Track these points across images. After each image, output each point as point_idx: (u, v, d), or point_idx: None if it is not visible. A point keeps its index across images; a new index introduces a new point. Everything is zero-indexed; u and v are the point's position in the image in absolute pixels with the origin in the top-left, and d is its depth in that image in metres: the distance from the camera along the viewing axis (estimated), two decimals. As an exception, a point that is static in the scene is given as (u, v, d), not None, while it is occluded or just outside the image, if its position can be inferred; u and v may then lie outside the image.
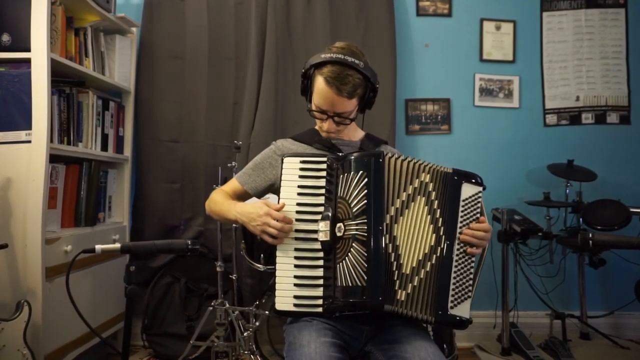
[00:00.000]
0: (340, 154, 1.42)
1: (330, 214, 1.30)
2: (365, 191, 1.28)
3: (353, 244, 1.26)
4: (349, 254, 1.26)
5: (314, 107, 1.49)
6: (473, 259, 1.36)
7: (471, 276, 1.34)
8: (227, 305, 2.21)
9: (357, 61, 1.41)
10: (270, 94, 2.79)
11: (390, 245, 1.27)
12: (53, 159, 2.01)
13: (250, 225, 1.37)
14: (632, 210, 2.59)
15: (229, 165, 2.29)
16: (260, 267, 2.13)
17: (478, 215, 1.38)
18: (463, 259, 1.34)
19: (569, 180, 2.80)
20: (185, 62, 2.84)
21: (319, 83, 1.44)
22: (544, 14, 3.08)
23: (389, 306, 1.24)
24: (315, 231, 1.30)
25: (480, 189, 1.38)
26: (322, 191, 1.33)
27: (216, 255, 2.30)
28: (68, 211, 2.22)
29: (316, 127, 1.61)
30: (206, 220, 2.78)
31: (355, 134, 1.64)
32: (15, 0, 1.92)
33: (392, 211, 1.29)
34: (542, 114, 3.07)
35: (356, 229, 1.27)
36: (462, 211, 1.34)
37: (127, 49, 2.68)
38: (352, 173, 1.31)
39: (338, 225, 1.29)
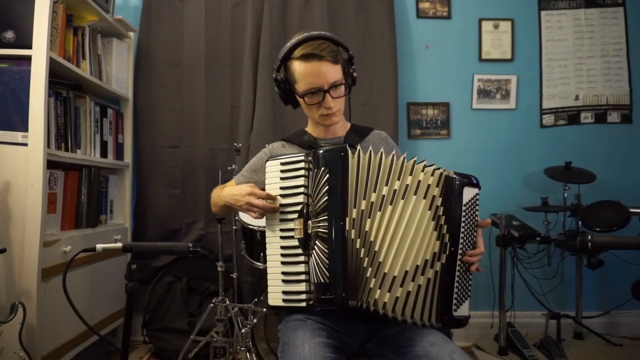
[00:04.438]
0: (314, 150, 1.37)
1: (303, 212, 1.31)
2: (327, 187, 1.26)
3: (317, 242, 1.26)
4: (314, 251, 1.27)
5: (305, 99, 1.47)
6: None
7: (470, 276, 1.36)
8: (228, 302, 2.24)
9: (321, 32, 1.43)
10: (266, 95, 2.79)
11: (359, 240, 1.25)
12: (51, 165, 2.00)
13: (236, 205, 1.44)
14: (632, 210, 2.57)
15: (229, 168, 2.30)
16: (260, 265, 2.14)
17: (477, 218, 1.38)
18: (464, 264, 1.35)
19: (566, 183, 2.80)
20: (183, 69, 2.86)
21: (298, 66, 1.43)
22: (542, 12, 3.07)
23: (355, 302, 1.24)
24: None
25: (478, 190, 1.38)
26: (301, 190, 1.33)
27: (217, 257, 2.33)
28: (68, 215, 2.22)
29: (306, 129, 1.64)
30: (207, 224, 2.81)
31: (343, 127, 1.63)
32: (20, -3, 1.91)
33: (364, 205, 1.26)
34: (538, 114, 3.07)
35: (319, 226, 1.26)
36: (463, 215, 1.34)
37: (124, 55, 2.67)
38: (316, 170, 1.30)
39: (308, 222, 1.30)
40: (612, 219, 2.57)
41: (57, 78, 2.14)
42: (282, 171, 1.37)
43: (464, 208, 1.33)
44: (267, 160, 1.41)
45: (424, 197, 1.29)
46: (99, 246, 1.24)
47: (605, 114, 3.07)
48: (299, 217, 1.31)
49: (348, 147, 1.30)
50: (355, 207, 1.26)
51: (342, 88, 1.47)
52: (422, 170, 1.31)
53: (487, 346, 2.68)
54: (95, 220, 2.39)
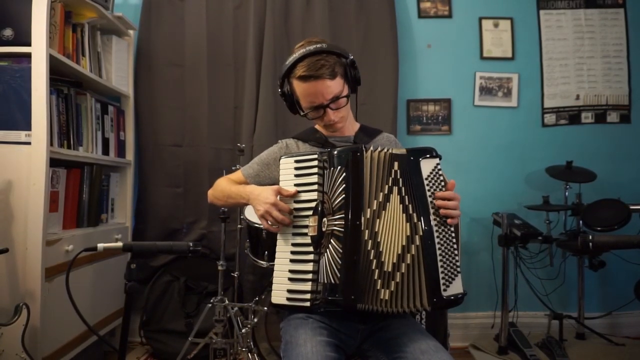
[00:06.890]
0: (329, 149, 1.39)
1: (318, 209, 1.31)
2: (344, 186, 1.27)
3: (331, 240, 1.26)
4: (328, 250, 1.26)
5: (308, 115, 1.50)
6: (454, 234, 1.27)
7: (456, 252, 1.27)
8: (227, 302, 2.21)
9: (318, 45, 1.42)
10: (269, 96, 2.79)
11: (371, 241, 1.24)
12: (54, 162, 1.99)
13: (255, 208, 1.43)
14: (632, 207, 2.55)
15: (233, 168, 2.30)
16: (264, 263, 2.12)
17: (443, 188, 1.32)
18: (444, 239, 1.26)
19: (568, 182, 2.79)
20: (184, 69, 2.85)
21: (298, 85, 1.45)
22: (540, 12, 3.07)
23: (362, 305, 1.21)
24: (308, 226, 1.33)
25: (438, 160, 1.32)
26: (315, 187, 1.34)
27: (218, 256, 2.31)
28: (70, 214, 2.21)
29: (316, 127, 1.64)
30: (209, 223, 2.80)
31: (352, 128, 1.64)
32: (19, -6, 1.90)
33: (375, 205, 1.26)
34: (540, 113, 3.06)
35: (335, 224, 1.26)
36: (428, 190, 1.29)
37: (124, 52, 2.66)
38: (333, 168, 1.32)
39: (323, 220, 1.30)
40: (612, 217, 2.55)
41: (57, 75, 2.12)
42: (296, 168, 1.38)
43: (426, 182, 1.29)
44: (281, 158, 1.43)
45: (396, 185, 1.29)
46: (100, 245, 1.25)
47: (605, 114, 3.07)
48: (313, 214, 1.32)
49: (363, 147, 1.30)
50: (369, 206, 1.27)
51: (343, 101, 1.47)
52: (396, 159, 1.31)
53: (486, 346, 2.68)
54: (97, 219, 2.38)
